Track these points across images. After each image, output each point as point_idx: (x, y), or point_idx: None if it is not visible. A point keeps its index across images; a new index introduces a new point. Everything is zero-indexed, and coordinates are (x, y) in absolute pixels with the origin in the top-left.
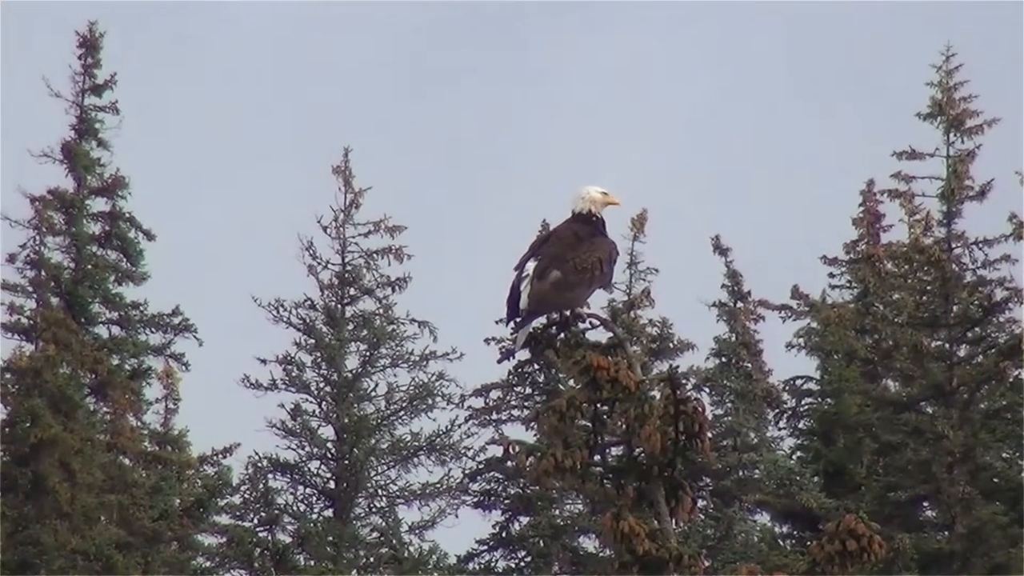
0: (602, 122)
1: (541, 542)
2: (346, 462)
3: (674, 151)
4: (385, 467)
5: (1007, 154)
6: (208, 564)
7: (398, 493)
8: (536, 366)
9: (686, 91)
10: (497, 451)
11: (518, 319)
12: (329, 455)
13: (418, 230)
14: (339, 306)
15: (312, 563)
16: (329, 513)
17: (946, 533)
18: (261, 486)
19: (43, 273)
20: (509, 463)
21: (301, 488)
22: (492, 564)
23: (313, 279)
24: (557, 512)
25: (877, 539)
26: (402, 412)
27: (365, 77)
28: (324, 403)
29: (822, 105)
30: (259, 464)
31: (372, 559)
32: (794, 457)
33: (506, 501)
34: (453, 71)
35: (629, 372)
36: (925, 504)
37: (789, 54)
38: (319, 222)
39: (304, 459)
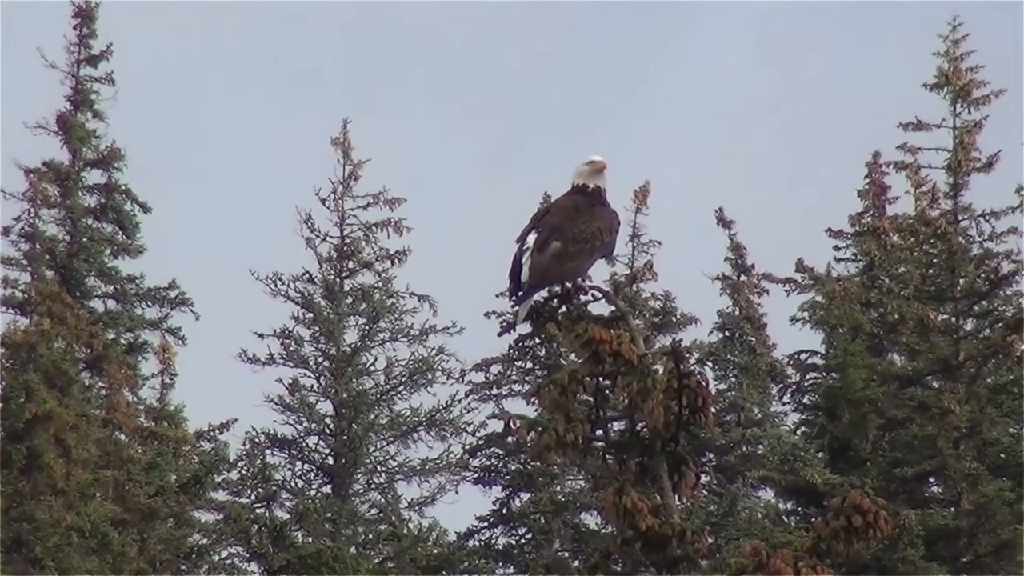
0: (601, 93)
1: (542, 519)
2: (345, 438)
3: (678, 125)
4: (384, 443)
5: (1014, 125)
6: (205, 541)
7: (397, 469)
8: (537, 340)
9: (689, 68)
10: (498, 426)
11: (520, 293)
12: (327, 430)
13: (417, 202)
14: (338, 279)
15: (310, 540)
16: (327, 489)
17: (952, 509)
18: (258, 462)
19: (38, 246)
20: (510, 438)
21: (299, 464)
22: (492, 541)
23: (311, 252)
24: (558, 488)
25: (883, 515)
26: (401, 387)
27: (364, 47)
28: (322, 378)
29: (828, 77)
30: (256, 440)
31: (371, 536)
32: (798, 432)
33: (507, 477)
34: (452, 43)
35: (632, 346)
36: (931, 480)
37: (794, 29)
38: (317, 194)
39: (302, 435)
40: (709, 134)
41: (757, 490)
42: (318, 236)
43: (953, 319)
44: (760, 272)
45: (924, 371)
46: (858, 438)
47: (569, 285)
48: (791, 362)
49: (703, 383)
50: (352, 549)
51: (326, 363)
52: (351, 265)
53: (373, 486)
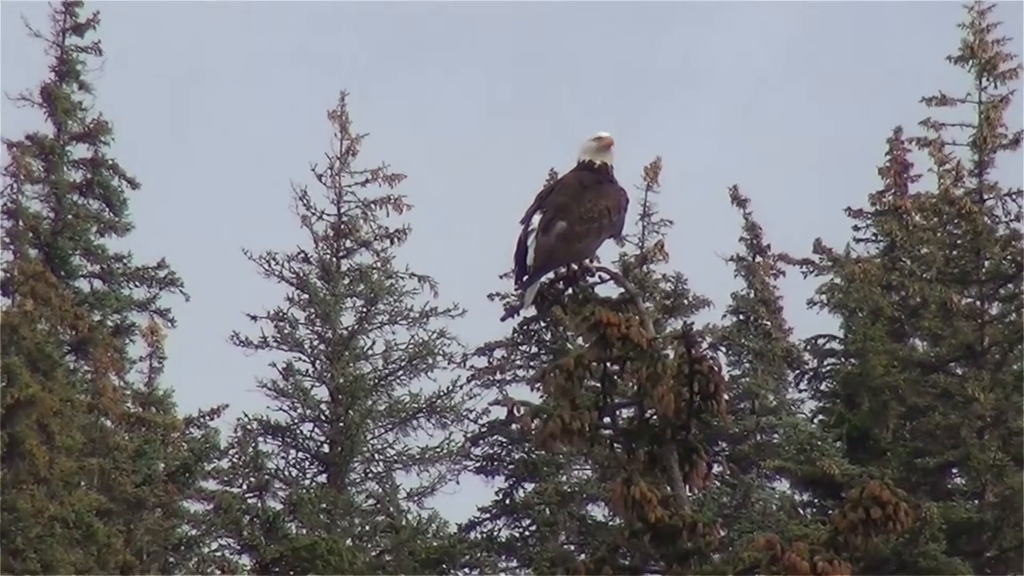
0: (612, 66)
1: (547, 510)
2: (341, 425)
3: (690, 103)
4: (382, 430)
5: None
6: (194, 532)
7: (396, 458)
8: (543, 323)
9: (702, 37)
10: (501, 413)
11: (526, 277)
12: (323, 417)
13: (418, 179)
14: (334, 259)
15: (304, 531)
16: (323, 479)
17: (976, 502)
18: (250, 450)
19: (20, 223)
20: (513, 426)
21: (293, 452)
22: (495, 533)
23: (307, 230)
24: (564, 478)
25: (903, 507)
26: (400, 372)
27: (362, 16)
28: (318, 362)
29: (848, 49)
30: (248, 427)
31: (368, 527)
32: (815, 421)
33: (510, 466)
34: (456, 15)
35: (641, 329)
36: (954, 471)
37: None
38: (313, 170)
39: (296, 421)
40: (723, 111)
41: (772, 481)
42: (314, 214)
43: (978, 303)
44: (776, 253)
45: (947, 357)
46: (878, 427)
47: (576, 266)
48: (808, 347)
49: (716, 369)
50: (348, 541)
51: (322, 346)
52: (348, 244)
53: (370, 475)
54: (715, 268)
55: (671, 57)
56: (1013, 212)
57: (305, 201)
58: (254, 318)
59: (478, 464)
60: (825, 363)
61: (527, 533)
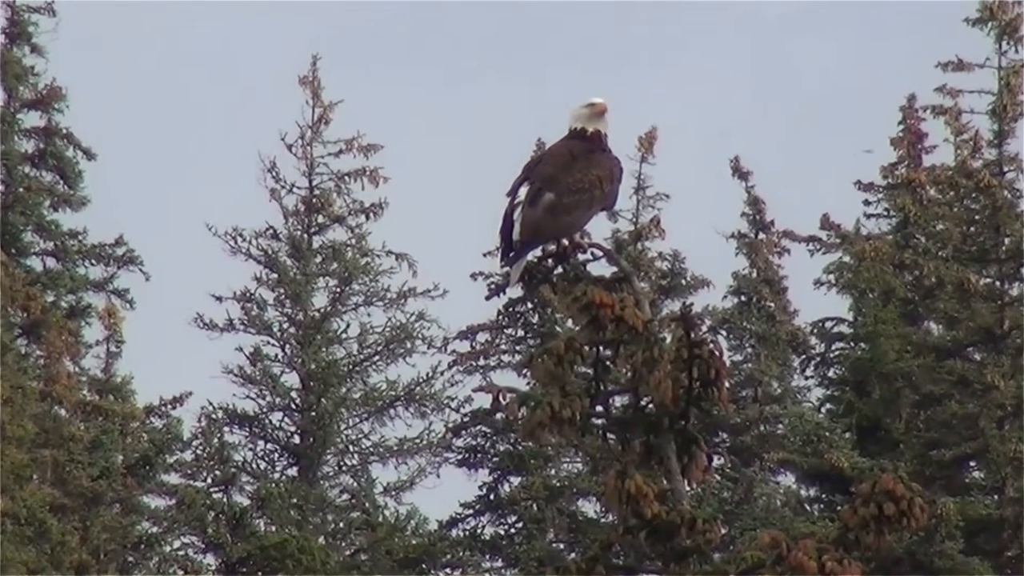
0: (607, 23)
1: (534, 505)
2: (313, 414)
3: (690, 64)
4: (357, 420)
5: None
6: (155, 529)
7: (372, 449)
8: (530, 304)
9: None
10: (485, 401)
11: (512, 254)
12: (293, 406)
13: (396, 149)
14: (305, 235)
15: (274, 529)
16: (293, 472)
17: (995, 497)
18: (215, 441)
19: None
20: (498, 415)
21: (261, 443)
22: (479, 531)
23: (276, 204)
24: (553, 471)
25: (918, 502)
26: (377, 357)
27: None
28: (288, 346)
29: (858, 10)
30: (213, 416)
31: (342, 524)
32: (823, 410)
33: (495, 459)
34: None
35: (636, 310)
36: (971, 464)
37: None
38: (283, 140)
39: (265, 410)
40: (724, 78)
41: (776, 474)
42: (283, 187)
43: (997, 283)
44: (780, 229)
45: (964, 341)
46: (890, 417)
47: (565, 242)
48: (815, 331)
49: (716, 353)
50: (320, 539)
51: (292, 330)
52: (320, 219)
53: (344, 468)
54: (715, 245)
55: (667, 17)
56: None
57: (274, 173)
58: (219, 299)
59: (460, 456)
60: (833, 348)
61: (513, 530)
